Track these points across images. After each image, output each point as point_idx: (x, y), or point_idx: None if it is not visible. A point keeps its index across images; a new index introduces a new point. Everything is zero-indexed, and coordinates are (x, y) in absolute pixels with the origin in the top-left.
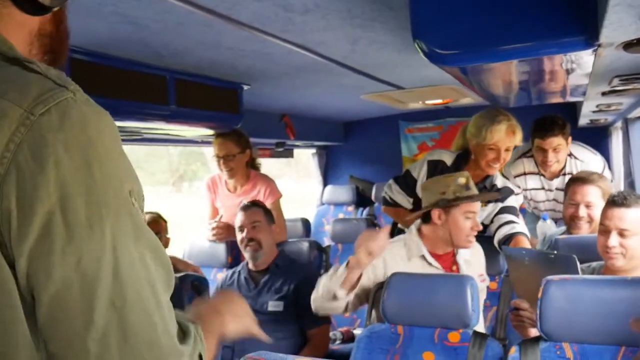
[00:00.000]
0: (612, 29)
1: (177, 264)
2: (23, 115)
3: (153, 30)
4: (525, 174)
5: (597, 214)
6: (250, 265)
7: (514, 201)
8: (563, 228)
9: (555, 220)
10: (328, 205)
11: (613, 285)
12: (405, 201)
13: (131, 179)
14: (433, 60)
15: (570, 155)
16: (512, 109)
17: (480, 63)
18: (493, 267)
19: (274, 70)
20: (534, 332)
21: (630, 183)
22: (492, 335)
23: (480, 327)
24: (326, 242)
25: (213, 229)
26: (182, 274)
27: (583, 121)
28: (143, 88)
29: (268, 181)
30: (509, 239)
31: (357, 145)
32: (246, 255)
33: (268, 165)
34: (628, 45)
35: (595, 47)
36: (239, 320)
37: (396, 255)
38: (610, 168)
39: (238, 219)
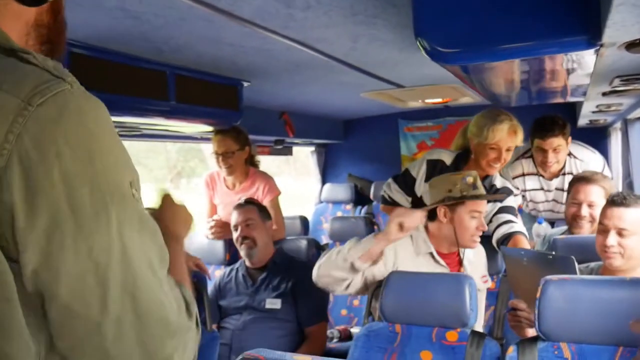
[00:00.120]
0: (615, 29)
1: None
2: (20, 105)
3: (154, 25)
4: (524, 174)
5: (599, 213)
6: (248, 263)
7: (512, 201)
8: (563, 228)
9: (553, 222)
10: (326, 204)
11: (612, 286)
12: (404, 200)
13: (130, 169)
14: (435, 59)
15: (569, 154)
16: (511, 109)
17: (482, 62)
18: (491, 267)
19: (274, 66)
20: (531, 332)
21: (629, 184)
22: (490, 335)
23: (479, 327)
24: (324, 240)
25: (211, 227)
26: None
27: (582, 121)
28: (143, 83)
29: (267, 178)
30: (507, 238)
31: (356, 143)
32: (242, 253)
33: (266, 163)
34: (630, 45)
35: (598, 47)
36: (186, 224)
37: (405, 250)
38: (609, 167)
39: (232, 218)
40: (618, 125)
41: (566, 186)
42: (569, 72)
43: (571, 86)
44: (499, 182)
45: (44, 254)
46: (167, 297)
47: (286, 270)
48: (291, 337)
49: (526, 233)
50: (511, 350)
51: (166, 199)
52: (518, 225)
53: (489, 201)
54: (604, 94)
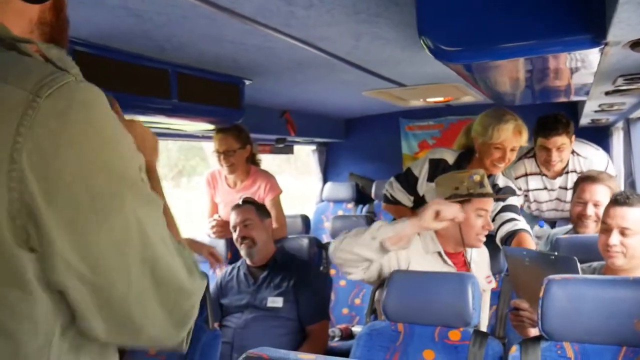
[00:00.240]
0: (620, 28)
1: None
2: (29, 98)
3: (156, 23)
4: (526, 174)
5: None
6: (248, 262)
7: (515, 200)
8: (567, 227)
9: (554, 223)
10: (328, 202)
11: (615, 285)
12: (406, 199)
13: (137, 154)
14: (438, 57)
15: (572, 152)
16: (512, 108)
17: (485, 60)
18: (493, 266)
19: (276, 65)
20: (533, 332)
21: (631, 183)
22: (492, 334)
23: (483, 328)
24: (325, 239)
25: (212, 227)
26: None
27: (584, 121)
28: (145, 81)
29: (268, 177)
30: (511, 236)
31: (357, 142)
32: (242, 253)
33: (267, 162)
34: (635, 44)
35: (602, 46)
36: (155, 150)
37: (416, 247)
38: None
39: (231, 218)
40: (620, 124)
41: (570, 184)
42: (572, 71)
43: (574, 85)
44: (501, 181)
45: (70, 241)
46: (178, 265)
47: (288, 268)
48: (292, 335)
49: (530, 231)
50: (514, 350)
51: (134, 125)
52: (522, 223)
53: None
54: (607, 93)
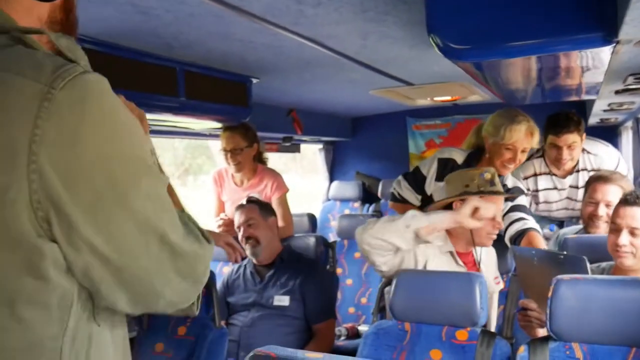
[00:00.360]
0: (633, 26)
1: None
2: (44, 90)
3: (164, 21)
4: (536, 174)
5: None
6: (254, 261)
7: (524, 200)
8: (577, 227)
9: (562, 222)
10: (334, 201)
11: (624, 286)
12: (414, 198)
13: (147, 138)
14: (447, 55)
15: (582, 150)
16: (520, 107)
17: (495, 58)
18: (500, 266)
19: (284, 63)
20: (541, 332)
21: None
22: (499, 334)
23: (491, 329)
24: (332, 237)
25: (219, 226)
26: None
27: (593, 120)
28: (152, 79)
29: (275, 175)
30: (521, 235)
31: (364, 141)
32: (247, 252)
33: (273, 160)
34: None
35: (614, 44)
36: (144, 123)
37: (433, 246)
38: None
39: (235, 219)
40: (629, 124)
41: (580, 183)
42: (582, 69)
43: (584, 84)
44: (510, 182)
45: (94, 226)
46: (189, 232)
47: (294, 267)
48: (299, 334)
49: (540, 230)
50: (522, 350)
51: (131, 107)
52: (531, 222)
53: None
54: (617, 92)
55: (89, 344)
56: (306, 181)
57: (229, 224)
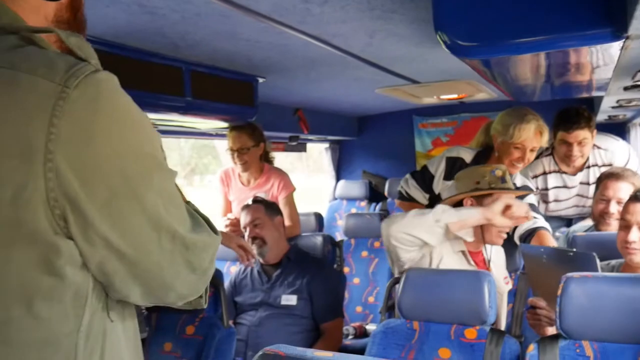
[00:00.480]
0: None
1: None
2: (58, 89)
3: (171, 21)
4: (545, 173)
5: None
6: (261, 260)
7: (533, 199)
8: (587, 224)
9: (570, 220)
10: (341, 200)
11: (635, 283)
12: (421, 196)
13: (157, 134)
14: (455, 53)
15: (592, 146)
16: (528, 105)
17: (504, 55)
18: (509, 264)
19: (290, 62)
20: (551, 330)
21: None
22: (508, 333)
23: (501, 328)
24: (338, 236)
25: (227, 225)
26: None
27: (601, 117)
28: (159, 79)
29: (282, 174)
30: (530, 234)
31: (370, 140)
32: (254, 252)
33: (279, 160)
34: None
35: (623, 40)
36: None
37: (447, 245)
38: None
39: (241, 219)
40: (638, 120)
41: (591, 179)
42: (590, 65)
43: (592, 80)
44: (519, 180)
45: (109, 222)
46: (197, 225)
47: (301, 266)
48: (307, 333)
49: (549, 228)
50: (532, 349)
51: None
52: (541, 220)
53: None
54: (626, 89)
55: (103, 339)
56: (312, 180)
57: (235, 223)
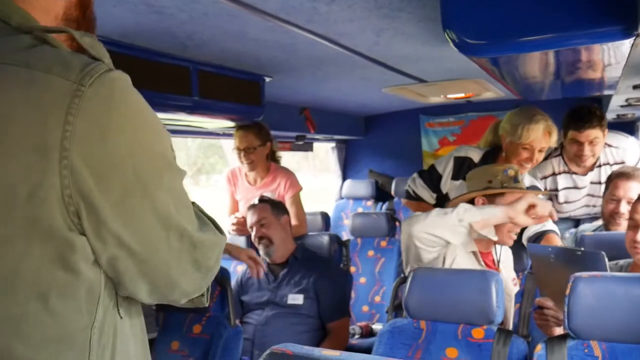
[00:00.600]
0: None
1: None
2: (73, 87)
3: (178, 20)
4: (554, 174)
5: None
6: (268, 259)
7: None
8: (596, 224)
9: (578, 221)
10: (347, 200)
11: None
12: (429, 196)
13: (168, 135)
14: (463, 51)
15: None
16: (535, 104)
17: (512, 53)
18: (516, 264)
19: (297, 61)
20: (558, 330)
21: None
22: (515, 333)
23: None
24: (345, 236)
25: (233, 224)
26: None
27: (609, 116)
28: (166, 79)
29: (288, 174)
30: (539, 237)
31: (377, 139)
32: (260, 252)
33: (285, 159)
34: None
35: (634, 37)
36: None
37: (459, 245)
38: None
39: (247, 218)
40: None
41: (603, 178)
42: (600, 64)
43: (602, 79)
44: (527, 181)
45: (121, 220)
46: (204, 225)
47: (308, 265)
48: (313, 332)
49: (558, 231)
50: (539, 349)
51: None
52: (549, 223)
53: None
54: (635, 87)
55: (114, 336)
56: (318, 180)
57: (242, 223)
